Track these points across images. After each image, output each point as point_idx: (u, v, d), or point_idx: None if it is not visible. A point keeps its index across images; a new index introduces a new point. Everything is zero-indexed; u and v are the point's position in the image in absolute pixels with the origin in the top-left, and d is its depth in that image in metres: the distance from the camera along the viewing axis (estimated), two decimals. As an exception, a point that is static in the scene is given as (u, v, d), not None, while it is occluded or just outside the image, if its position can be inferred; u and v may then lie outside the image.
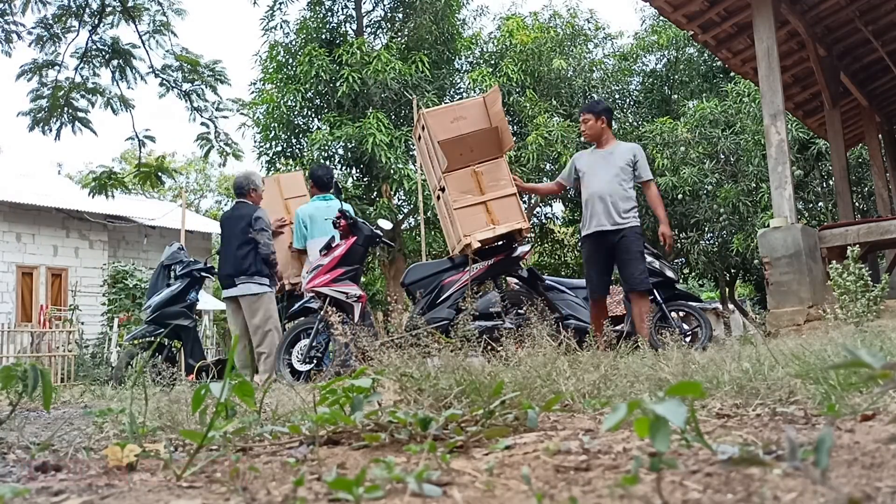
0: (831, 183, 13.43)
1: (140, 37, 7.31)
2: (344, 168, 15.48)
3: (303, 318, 5.46)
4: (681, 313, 5.92)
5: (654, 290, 5.85)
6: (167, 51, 7.51)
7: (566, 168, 5.36)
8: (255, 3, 15.58)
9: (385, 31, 16.55)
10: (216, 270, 5.84)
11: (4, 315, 14.42)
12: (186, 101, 7.57)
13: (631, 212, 4.97)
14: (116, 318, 13.46)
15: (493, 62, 16.23)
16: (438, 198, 5.86)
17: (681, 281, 6.48)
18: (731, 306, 18.72)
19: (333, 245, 5.31)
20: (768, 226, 6.36)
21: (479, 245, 5.28)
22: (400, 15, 16.03)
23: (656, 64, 17.76)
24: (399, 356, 1.93)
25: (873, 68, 9.51)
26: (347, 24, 16.26)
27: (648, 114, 16.78)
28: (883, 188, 10.74)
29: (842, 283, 4.45)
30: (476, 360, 2.11)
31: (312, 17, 15.73)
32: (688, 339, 5.47)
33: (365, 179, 15.27)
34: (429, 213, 12.18)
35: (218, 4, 64.07)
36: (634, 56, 17.62)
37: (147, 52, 7.36)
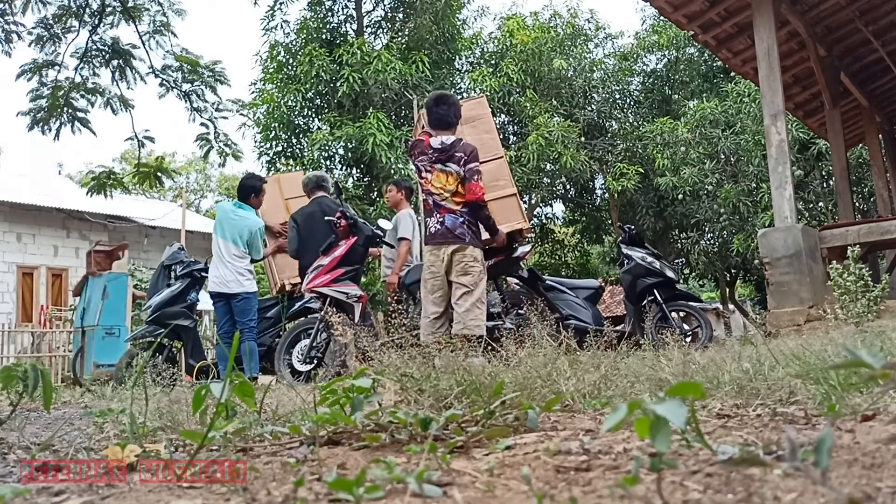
0: (831, 183, 13.43)
1: (140, 37, 7.32)
2: (344, 168, 15.49)
3: (303, 318, 5.46)
4: (681, 313, 5.92)
5: (655, 290, 5.86)
6: (167, 51, 7.53)
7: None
8: (255, 3, 15.61)
9: (385, 31, 16.55)
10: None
11: (5, 315, 14.42)
12: (186, 101, 7.58)
13: None
14: (117, 319, 13.44)
15: (493, 62, 16.22)
16: (439, 198, 5.85)
17: (681, 281, 6.47)
18: (731, 306, 18.72)
19: (334, 245, 5.31)
20: (769, 226, 6.36)
21: (480, 245, 5.27)
22: (400, 15, 16.03)
23: (657, 64, 17.77)
24: (399, 356, 1.94)
25: (873, 68, 9.51)
26: (348, 24, 16.26)
27: (649, 114, 16.78)
28: (883, 188, 10.74)
29: (842, 283, 4.45)
30: (476, 361, 2.11)
31: (313, 17, 15.74)
32: (688, 339, 5.47)
33: (365, 179, 15.28)
34: (429, 214, 12.14)
35: (218, 4, 64.09)
36: (635, 56, 17.62)
37: (147, 52, 7.37)
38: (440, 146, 4.60)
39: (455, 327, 4.28)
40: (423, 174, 4.59)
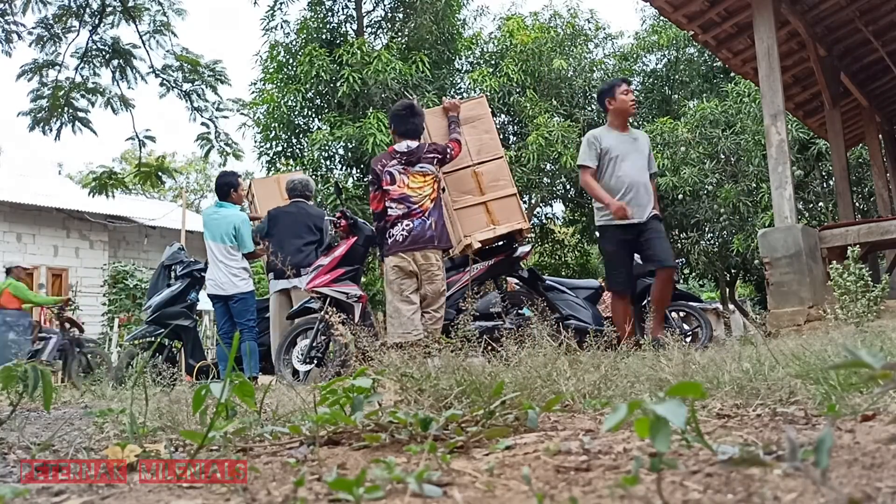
0: (831, 183, 13.42)
1: (140, 37, 7.33)
2: (344, 168, 15.47)
3: (303, 318, 5.46)
4: (681, 313, 5.92)
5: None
6: (167, 51, 7.54)
7: (589, 150, 5.11)
8: (255, 3, 15.60)
9: (385, 31, 16.54)
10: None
11: (5, 315, 14.40)
12: (187, 101, 7.58)
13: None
14: (117, 319, 13.48)
15: (493, 62, 16.21)
16: (439, 198, 5.86)
17: (681, 281, 6.48)
18: (731, 306, 18.71)
19: (334, 245, 5.32)
20: (769, 226, 6.36)
21: (480, 245, 5.28)
22: (400, 15, 16.02)
23: (657, 64, 17.75)
24: (399, 356, 1.94)
25: (873, 68, 9.51)
26: (348, 24, 16.25)
27: (649, 114, 16.77)
28: (883, 188, 10.74)
29: (842, 283, 4.45)
30: (476, 361, 2.11)
31: (313, 17, 15.73)
32: (688, 339, 5.47)
33: (365, 179, 15.27)
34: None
35: (218, 4, 64.07)
36: (635, 56, 17.61)
37: (147, 52, 7.38)
38: (407, 149, 4.79)
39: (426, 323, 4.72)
40: (399, 177, 4.72)
